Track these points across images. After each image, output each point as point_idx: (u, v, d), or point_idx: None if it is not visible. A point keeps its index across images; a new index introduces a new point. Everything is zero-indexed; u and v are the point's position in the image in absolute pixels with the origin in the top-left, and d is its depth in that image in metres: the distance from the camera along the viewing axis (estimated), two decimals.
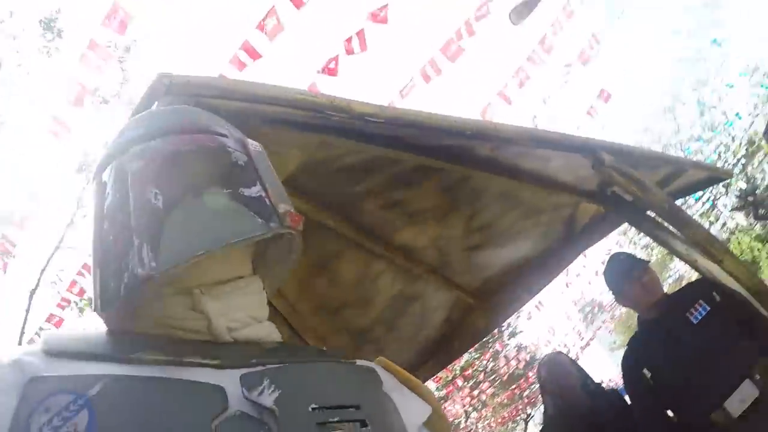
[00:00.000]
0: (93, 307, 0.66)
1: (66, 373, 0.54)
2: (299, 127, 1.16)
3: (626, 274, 2.10)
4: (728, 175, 2.92)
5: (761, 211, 23.12)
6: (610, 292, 2.24)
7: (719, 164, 18.85)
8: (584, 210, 2.18)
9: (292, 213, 0.68)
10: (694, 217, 1.91)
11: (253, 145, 0.75)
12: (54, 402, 0.51)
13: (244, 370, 0.59)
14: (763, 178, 22.00)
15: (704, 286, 2.00)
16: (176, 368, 0.58)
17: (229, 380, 0.57)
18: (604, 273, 2.27)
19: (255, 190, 0.67)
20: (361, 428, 0.59)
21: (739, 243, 17.07)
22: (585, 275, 11.97)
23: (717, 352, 1.81)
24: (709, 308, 1.90)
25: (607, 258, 2.34)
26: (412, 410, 0.73)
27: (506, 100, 6.04)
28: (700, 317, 1.89)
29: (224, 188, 0.66)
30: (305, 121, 1.15)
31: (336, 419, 0.58)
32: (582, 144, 1.66)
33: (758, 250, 17.31)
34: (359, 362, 0.74)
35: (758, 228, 21.96)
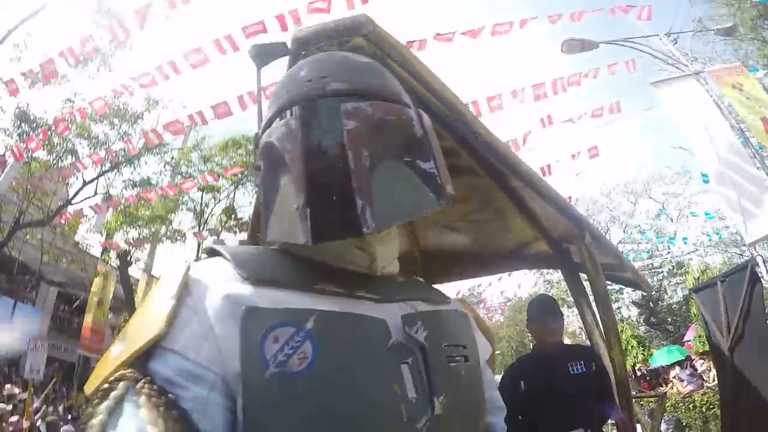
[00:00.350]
0: (267, 232, 0.73)
1: (277, 306, 0.64)
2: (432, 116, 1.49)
3: (547, 312, 2.73)
4: (648, 289, 3.68)
5: (652, 319, 25.80)
6: (528, 318, 2.82)
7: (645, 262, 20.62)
8: (538, 244, 2.68)
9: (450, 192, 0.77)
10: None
11: (426, 119, 0.80)
12: (281, 333, 0.61)
13: (395, 306, 0.74)
14: (670, 297, 24.27)
15: (589, 354, 2.62)
16: (349, 300, 0.70)
17: (387, 314, 0.71)
18: (532, 302, 2.94)
19: (429, 166, 0.74)
20: (465, 362, 0.77)
21: (622, 331, 19.08)
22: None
23: (576, 399, 2.39)
24: (584, 369, 2.53)
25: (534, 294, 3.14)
26: (482, 348, 0.88)
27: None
28: (577, 372, 2.51)
29: (408, 157, 0.73)
30: (438, 114, 1.48)
31: (455, 355, 0.76)
32: (577, 217, 2.16)
33: (632, 347, 19.28)
34: (453, 305, 0.89)
35: (641, 330, 24.49)
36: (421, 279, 1.04)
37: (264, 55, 1.94)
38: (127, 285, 11.84)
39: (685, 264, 22.89)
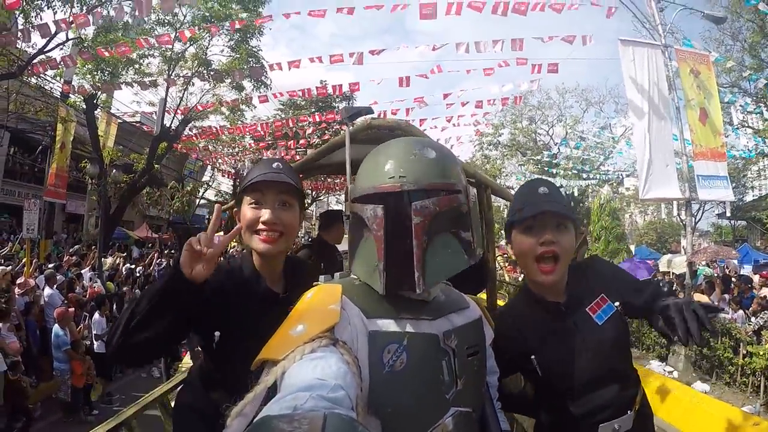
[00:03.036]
0: (372, 278, 1.04)
1: (386, 330, 1.02)
2: None
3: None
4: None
5: None
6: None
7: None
8: None
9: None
10: None
11: (472, 193, 1.12)
12: (391, 347, 1.00)
13: (441, 321, 1.09)
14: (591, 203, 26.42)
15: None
16: (418, 321, 1.06)
17: (436, 329, 1.07)
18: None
19: (468, 235, 1.09)
20: (477, 355, 1.14)
21: None
22: None
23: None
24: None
25: None
26: (488, 336, 1.25)
27: None
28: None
29: (453, 229, 1.06)
30: None
31: (472, 352, 1.13)
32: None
33: None
34: (472, 307, 1.23)
35: None
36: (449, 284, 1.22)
37: (353, 113, 2.37)
38: (93, 128, 11.79)
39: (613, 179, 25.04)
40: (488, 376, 1.24)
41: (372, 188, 1.05)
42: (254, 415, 0.81)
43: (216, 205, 1.46)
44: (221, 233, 1.30)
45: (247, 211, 1.40)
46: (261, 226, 1.38)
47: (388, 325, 1.03)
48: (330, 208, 11.68)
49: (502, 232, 1.56)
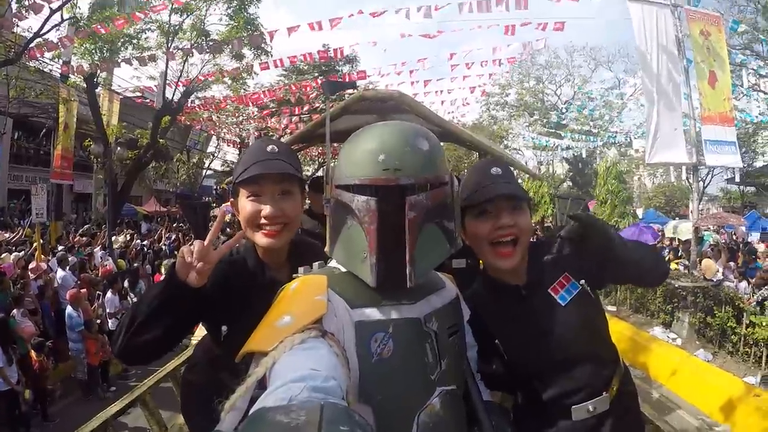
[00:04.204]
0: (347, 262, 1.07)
1: (371, 319, 1.03)
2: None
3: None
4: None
5: (578, 179, 28.26)
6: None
7: None
8: None
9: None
10: None
11: (455, 183, 1.14)
12: (378, 336, 1.01)
13: (421, 304, 1.10)
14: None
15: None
16: (400, 306, 1.06)
17: (418, 312, 1.08)
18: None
19: (451, 225, 1.12)
20: (456, 334, 1.17)
21: (540, 186, 21.36)
22: None
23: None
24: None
25: None
26: (466, 313, 1.28)
27: None
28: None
29: (438, 219, 1.08)
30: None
31: (452, 332, 1.15)
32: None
33: (544, 201, 21.47)
34: (448, 285, 1.24)
35: (565, 186, 26.91)
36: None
37: (335, 87, 2.26)
38: (95, 106, 11.74)
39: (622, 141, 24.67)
40: (468, 350, 1.26)
41: (365, 178, 1.02)
42: (247, 408, 0.80)
43: (220, 211, 1.40)
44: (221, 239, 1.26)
45: (246, 204, 1.33)
46: (263, 221, 1.32)
47: (373, 314, 1.04)
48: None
49: None
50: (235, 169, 1.44)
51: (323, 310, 0.96)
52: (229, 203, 1.47)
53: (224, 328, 1.38)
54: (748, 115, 15.04)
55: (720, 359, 6.73)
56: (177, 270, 1.16)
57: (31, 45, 8.55)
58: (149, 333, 1.16)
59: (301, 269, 1.15)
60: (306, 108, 15.63)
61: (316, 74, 20.30)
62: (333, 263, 1.16)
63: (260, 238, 1.34)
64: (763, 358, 6.14)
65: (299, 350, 0.83)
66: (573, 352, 1.33)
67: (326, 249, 1.16)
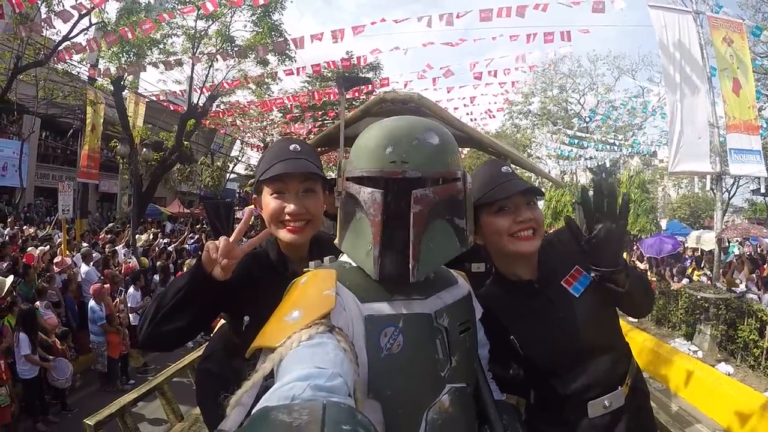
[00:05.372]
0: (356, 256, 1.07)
1: (381, 313, 1.02)
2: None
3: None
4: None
5: None
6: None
7: None
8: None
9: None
10: None
11: (468, 180, 1.12)
12: (387, 330, 1.01)
13: (432, 300, 1.10)
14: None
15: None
16: (410, 302, 1.06)
17: (429, 308, 1.08)
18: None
19: (462, 222, 1.10)
20: (468, 331, 1.15)
21: (562, 195, 21.14)
22: None
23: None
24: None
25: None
26: (478, 310, 1.26)
27: None
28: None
29: (449, 216, 1.07)
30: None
31: (463, 328, 1.14)
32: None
33: (567, 211, 21.23)
34: (460, 282, 1.24)
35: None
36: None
37: (350, 83, 2.21)
38: (122, 109, 12.03)
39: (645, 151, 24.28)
40: (479, 348, 1.25)
41: (372, 170, 1.03)
42: (252, 404, 0.80)
43: (247, 210, 1.47)
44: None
45: (270, 201, 1.37)
46: (286, 217, 1.36)
47: (383, 308, 1.04)
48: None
49: None
50: (257, 167, 1.47)
51: (332, 304, 0.94)
52: (252, 204, 1.51)
53: (246, 318, 1.40)
54: None
55: (741, 373, 6.55)
56: (203, 263, 1.20)
57: (60, 48, 8.83)
58: (173, 323, 1.21)
59: (312, 263, 1.16)
60: (330, 114, 15.78)
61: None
62: (344, 257, 1.16)
63: (284, 234, 1.38)
64: None
65: (306, 347, 0.83)
66: (589, 343, 1.35)
67: (336, 241, 1.16)
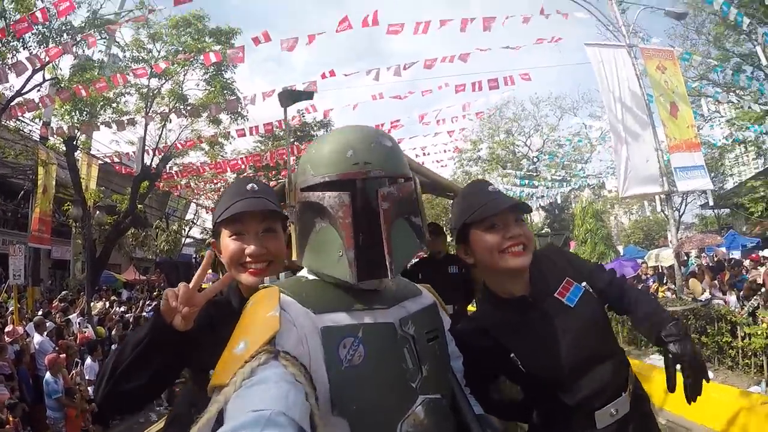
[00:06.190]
0: (311, 263, 1.06)
1: (339, 324, 0.99)
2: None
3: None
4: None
5: (555, 225, 28.92)
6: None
7: None
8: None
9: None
10: None
11: (418, 183, 1.16)
12: (346, 341, 0.98)
13: (395, 309, 1.09)
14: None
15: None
16: (372, 311, 1.05)
17: (392, 317, 1.06)
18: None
19: (418, 220, 1.12)
20: (437, 340, 1.15)
21: None
22: None
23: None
24: (458, 271, 1.75)
25: None
26: (446, 322, 1.27)
27: None
28: (454, 272, 1.68)
29: (407, 215, 1.09)
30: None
31: (432, 337, 1.13)
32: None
33: None
34: (425, 294, 1.25)
35: (543, 232, 27.48)
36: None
37: (292, 97, 2.17)
38: (75, 169, 11.65)
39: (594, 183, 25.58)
40: (452, 361, 1.23)
41: (334, 175, 1.03)
42: None
43: (207, 253, 1.39)
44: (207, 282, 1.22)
45: (229, 243, 1.31)
46: (247, 259, 1.30)
47: (341, 318, 1.02)
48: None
49: None
50: (215, 210, 1.43)
51: (275, 326, 0.91)
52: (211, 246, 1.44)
53: (211, 372, 1.32)
54: (715, 143, 15.88)
55: (721, 375, 6.67)
56: (162, 313, 1.11)
57: (12, 103, 8.59)
58: (133, 380, 1.10)
59: (267, 279, 1.13)
60: (283, 173, 15.82)
61: (292, 140, 20.76)
62: (303, 272, 1.15)
63: (246, 278, 1.32)
64: (764, 367, 6.12)
65: (246, 388, 0.80)
66: (591, 351, 1.36)
67: (294, 258, 1.15)
